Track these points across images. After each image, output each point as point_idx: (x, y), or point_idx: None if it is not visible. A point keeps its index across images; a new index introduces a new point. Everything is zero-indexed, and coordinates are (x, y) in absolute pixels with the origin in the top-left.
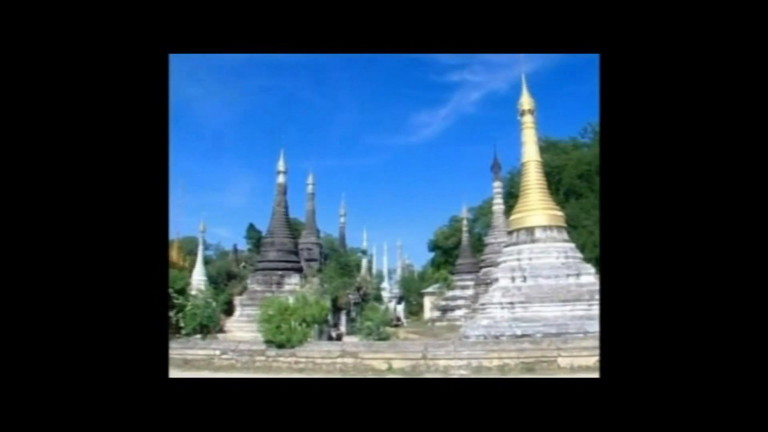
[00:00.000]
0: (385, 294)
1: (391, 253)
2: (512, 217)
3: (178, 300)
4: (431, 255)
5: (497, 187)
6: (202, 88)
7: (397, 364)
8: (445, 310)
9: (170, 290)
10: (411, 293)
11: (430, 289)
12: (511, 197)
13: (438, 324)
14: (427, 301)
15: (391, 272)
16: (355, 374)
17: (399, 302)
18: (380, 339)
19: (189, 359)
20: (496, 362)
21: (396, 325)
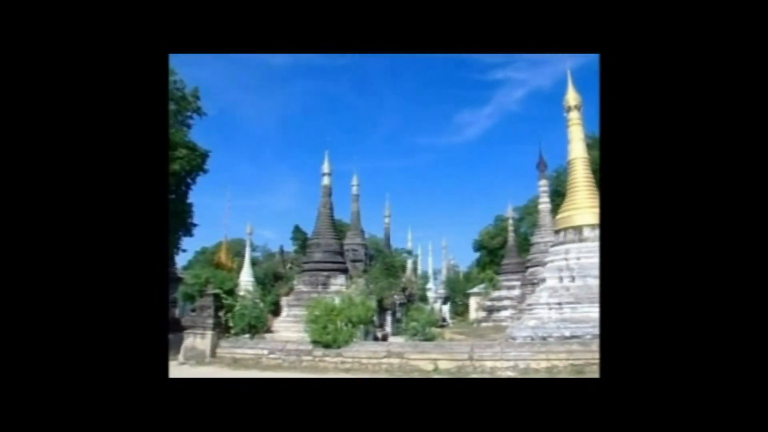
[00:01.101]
0: (430, 294)
1: (436, 253)
2: (559, 215)
3: (227, 300)
4: (476, 255)
5: (543, 185)
6: (248, 92)
7: (443, 364)
8: (490, 310)
9: (219, 291)
10: (456, 294)
11: (475, 290)
12: (558, 196)
13: (484, 324)
14: (473, 302)
15: (436, 273)
16: (401, 375)
17: (444, 303)
18: (426, 339)
19: (238, 358)
20: (544, 364)
21: (441, 326)
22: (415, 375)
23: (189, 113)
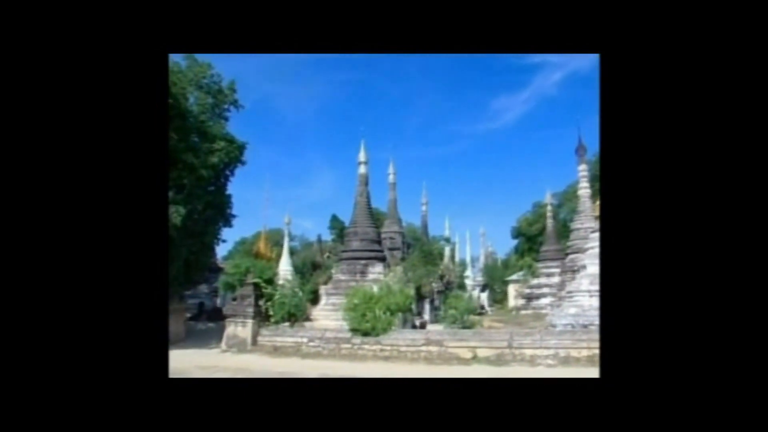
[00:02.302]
0: (468, 282)
1: (473, 240)
2: (599, 201)
3: (267, 289)
4: (515, 242)
5: (583, 170)
6: (282, 84)
7: (482, 352)
8: (530, 298)
9: (259, 280)
10: (495, 281)
11: (514, 277)
12: (598, 181)
13: (523, 312)
14: (512, 289)
15: (474, 260)
16: (440, 363)
17: (483, 290)
18: (465, 327)
19: (278, 346)
20: (585, 352)
21: (480, 314)
22: (454, 363)
23: (226, 106)
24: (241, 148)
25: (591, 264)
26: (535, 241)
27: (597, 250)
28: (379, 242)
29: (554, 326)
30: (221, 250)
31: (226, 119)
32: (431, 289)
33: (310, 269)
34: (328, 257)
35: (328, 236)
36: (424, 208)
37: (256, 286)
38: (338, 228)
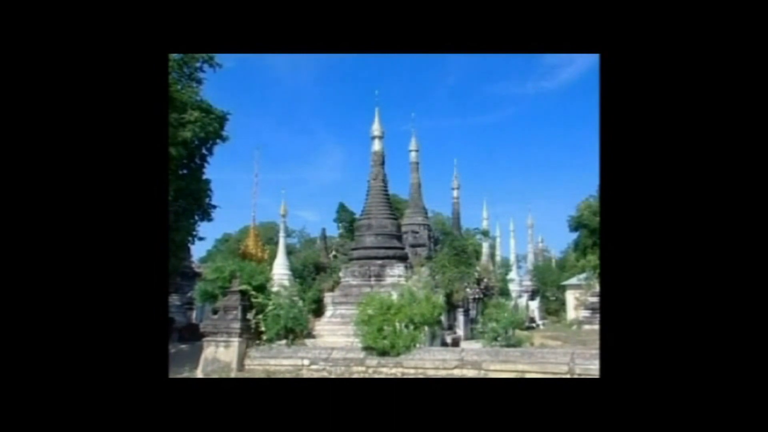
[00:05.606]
0: (513, 287)
1: (519, 234)
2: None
3: (258, 299)
4: (574, 236)
5: None
6: None
7: (533, 378)
8: (595, 308)
9: (247, 287)
10: (548, 286)
11: (573, 281)
12: None
13: (587, 327)
14: (571, 297)
15: (520, 259)
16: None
17: (532, 298)
18: (509, 345)
19: (272, 371)
20: None
21: (529, 328)
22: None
23: (198, 64)
24: (221, 119)
25: None
26: None
27: None
28: (399, 237)
29: None
30: (198, 250)
31: (200, 82)
32: (465, 297)
33: (312, 272)
34: (335, 257)
35: (334, 231)
36: (455, 193)
37: (243, 294)
38: (347, 220)
